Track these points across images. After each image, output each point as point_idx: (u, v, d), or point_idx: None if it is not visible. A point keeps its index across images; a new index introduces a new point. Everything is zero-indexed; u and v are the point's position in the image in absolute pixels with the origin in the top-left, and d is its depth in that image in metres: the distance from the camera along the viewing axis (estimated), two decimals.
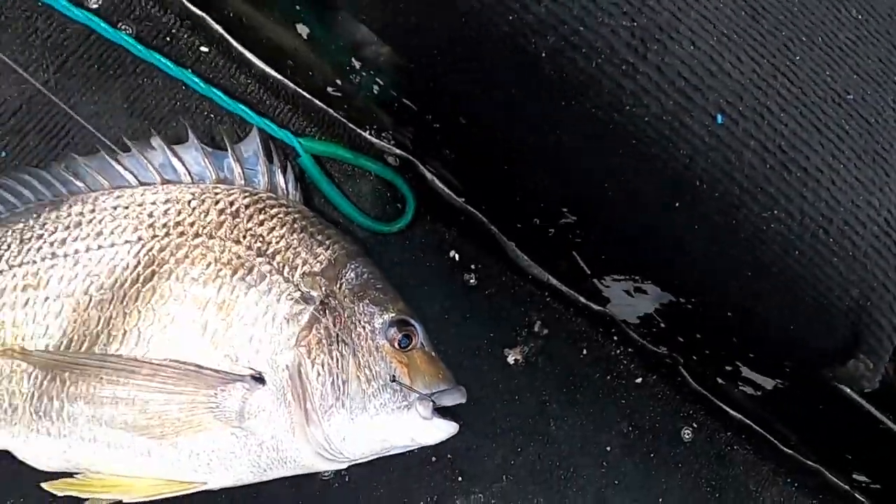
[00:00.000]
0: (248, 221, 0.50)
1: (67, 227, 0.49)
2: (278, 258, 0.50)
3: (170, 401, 0.46)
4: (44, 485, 0.48)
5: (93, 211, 0.50)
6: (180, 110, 0.58)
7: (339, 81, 0.56)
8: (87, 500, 0.49)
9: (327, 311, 0.49)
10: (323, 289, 0.50)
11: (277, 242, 0.50)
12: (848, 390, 0.52)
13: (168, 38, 0.58)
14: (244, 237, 0.50)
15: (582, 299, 0.64)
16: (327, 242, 0.52)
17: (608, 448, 0.67)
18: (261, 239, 0.50)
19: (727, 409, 0.68)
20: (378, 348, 0.49)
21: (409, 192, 0.61)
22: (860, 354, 0.41)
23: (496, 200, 0.59)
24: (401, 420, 0.49)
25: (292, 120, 0.61)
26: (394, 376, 0.49)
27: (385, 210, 0.63)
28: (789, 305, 0.43)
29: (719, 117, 0.37)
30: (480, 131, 0.48)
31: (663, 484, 0.68)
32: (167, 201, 0.50)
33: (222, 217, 0.50)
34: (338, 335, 0.49)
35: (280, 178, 0.54)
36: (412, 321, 0.51)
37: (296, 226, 0.51)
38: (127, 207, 0.50)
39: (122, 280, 0.48)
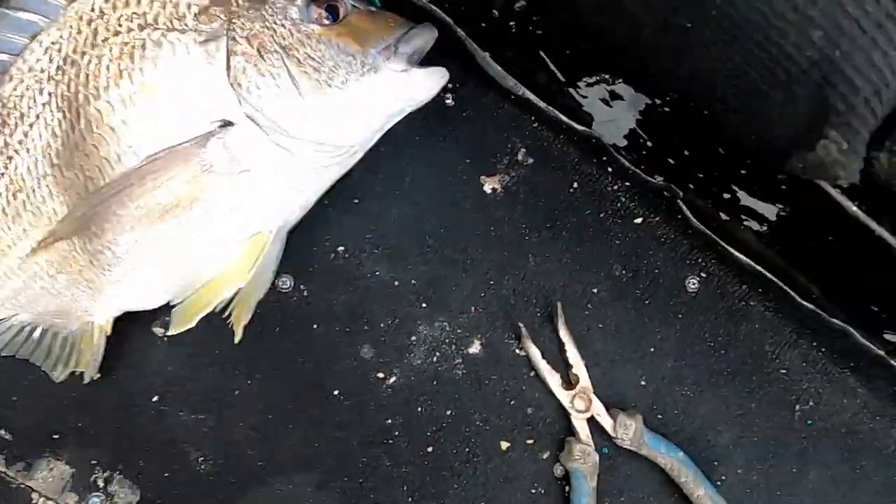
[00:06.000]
0: (113, 11, 0.48)
1: None
2: (161, 19, 0.47)
3: (173, 183, 0.47)
4: (168, 333, 0.52)
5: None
6: None
7: None
8: None
9: (238, 34, 0.46)
10: (221, 16, 0.47)
11: (150, 5, 0.47)
12: (861, 214, 0.42)
13: None
14: (119, 25, 0.48)
15: (565, 119, 0.57)
16: None
17: (594, 290, 0.61)
18: (134, 16, 0.48)
19: (738, 254, 0.59)
20: (309, 36, 0.47)
21: None
22: (829, 131, 0.31)
23: None
24: (373, 83, 0.47)
25: None
26: (340, 49, 0.46)
27: None
28: (748, 82, 0.34)
29: None
30: None
31: (657, 334, 0.62)
32: (46, 49, 0.49)
33: (91, 25, 0.48)
34: (259, 48, 0.46)
35: None
36: None
37: None
38: (22, 80, 0.49)
39: (63, 135, 0.49)
